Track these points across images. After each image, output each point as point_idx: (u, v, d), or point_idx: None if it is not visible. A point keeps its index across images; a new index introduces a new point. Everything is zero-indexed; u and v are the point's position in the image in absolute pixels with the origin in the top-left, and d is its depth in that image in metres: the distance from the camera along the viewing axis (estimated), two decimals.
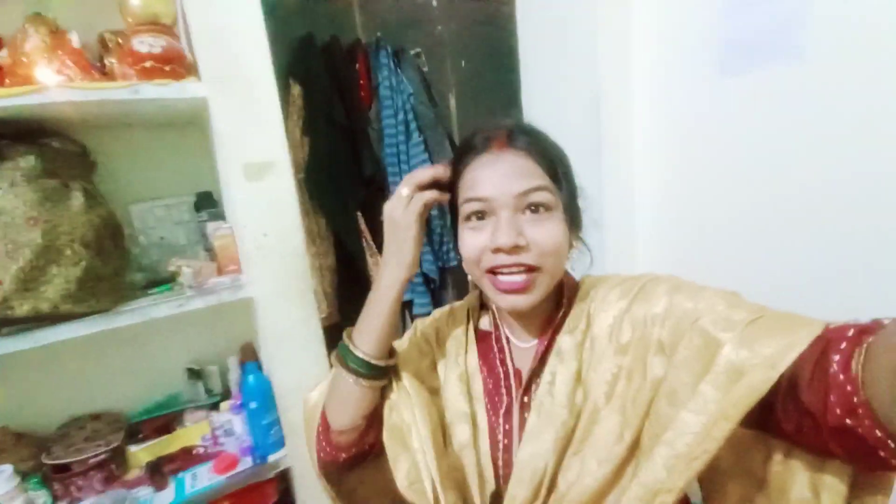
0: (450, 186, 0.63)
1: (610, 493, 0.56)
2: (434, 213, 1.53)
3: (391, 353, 0.67)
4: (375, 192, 1.52)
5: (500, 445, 0.63)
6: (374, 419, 0.66)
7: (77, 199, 0.91)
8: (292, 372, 1.13)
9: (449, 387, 0.68)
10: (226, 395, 1.27)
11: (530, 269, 0.57)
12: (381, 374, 0.64)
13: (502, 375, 0.66)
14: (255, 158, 1.01)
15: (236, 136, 0.99)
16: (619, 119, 1.56)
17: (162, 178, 1.21)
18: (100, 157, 1.09)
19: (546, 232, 0.57)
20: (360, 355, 0.62)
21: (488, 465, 0.63)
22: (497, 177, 0.58)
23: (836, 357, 0.42)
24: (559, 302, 0.66)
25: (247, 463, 1.10)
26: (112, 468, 1.06)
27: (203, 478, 1.06)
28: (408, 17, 1.63)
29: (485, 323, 0.73)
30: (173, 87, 0.89)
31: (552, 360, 0.62)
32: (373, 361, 0.63)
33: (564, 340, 0.62)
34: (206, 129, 1.12)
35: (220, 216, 1.17)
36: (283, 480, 1.19)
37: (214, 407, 1.21)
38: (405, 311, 1.61)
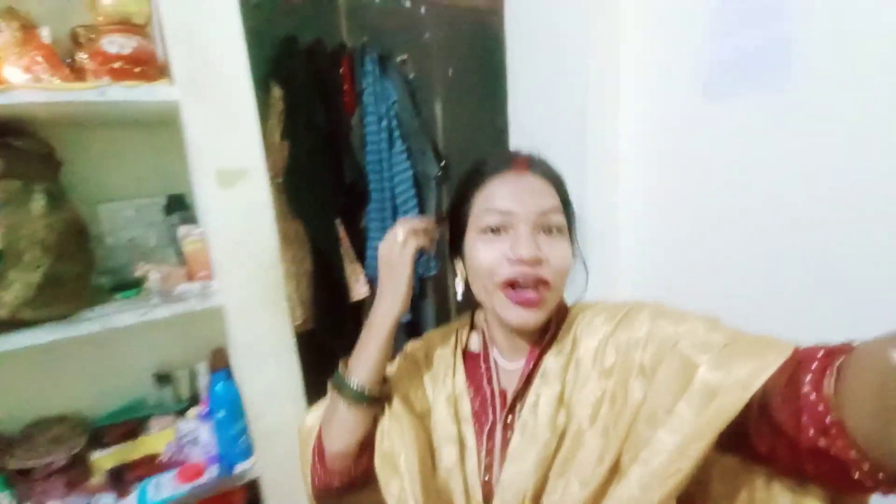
0: (460, 201, 0.66)
1: None
2: None
3: (384, 380, 0.69)
4: (356, 198, 1.50)
5: (483, 465, 0.64)
6: (367, 445, 0.67)
7: (39, 202, 0.88)
8: (263, 381, 1.11)
9: (437, 409, 0.70)
10: (194, 400, 1.24)
11: (544, 285, 0.60)
12: (375, 401, 0.67)
13: (488, 395, 0.68)
14: (229, 165, 0.99)
15: (209, 141, 0.97)
16: (605, 136, 1.56)
17: (133, 178, 1.18)
18: (68, 154, 1.06)
19: (559, 251, 0.61)
20: (355, 384, 0.65)
21: (476, 486, 0.63)
22: (519, 193, 0.61)
23: (808, 377, 0.43)
24: (548, 324, 0.67)
25: (212, 472, 1.07)
26: (75, 473, 1.03)
27: (166, 486, 1.04)
28: (395, 23, 1.61)
29: (474, 344, 0.74)
30: (142, 90, 0.87)
31: (537, 382, 0.63)
32: (367, 390, 0.65)
33: (550, 362, 0.64)
34: (180, 129, 1.09)
35: (192, 220, 1.15)
36: (252, 490, 1.17)
37: (182, 413, 1.18)
38: None
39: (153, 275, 1.00)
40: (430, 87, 1.73)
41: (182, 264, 1.08)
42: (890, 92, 1.01)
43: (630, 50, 1.53)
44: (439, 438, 0.67)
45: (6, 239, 0.82)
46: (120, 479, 1.04)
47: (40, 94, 0.82)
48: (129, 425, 1.18)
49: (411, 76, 1.58)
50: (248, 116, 1.01)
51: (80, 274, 0.95)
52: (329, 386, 0.69)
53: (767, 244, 1.25)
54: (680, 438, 0.48)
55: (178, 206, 1.17)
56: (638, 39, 1.50)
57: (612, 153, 1.60)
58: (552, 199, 0.62)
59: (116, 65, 0.86)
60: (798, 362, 0.45)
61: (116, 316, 0.93)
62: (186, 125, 0.96)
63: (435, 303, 1.67)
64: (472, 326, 0.76)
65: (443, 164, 1.61)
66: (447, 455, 0.65)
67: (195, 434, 1.10)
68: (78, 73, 0.95)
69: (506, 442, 0.63)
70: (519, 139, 1.89)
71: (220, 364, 1.20)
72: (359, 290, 1.51)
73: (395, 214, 1.53)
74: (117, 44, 0.86)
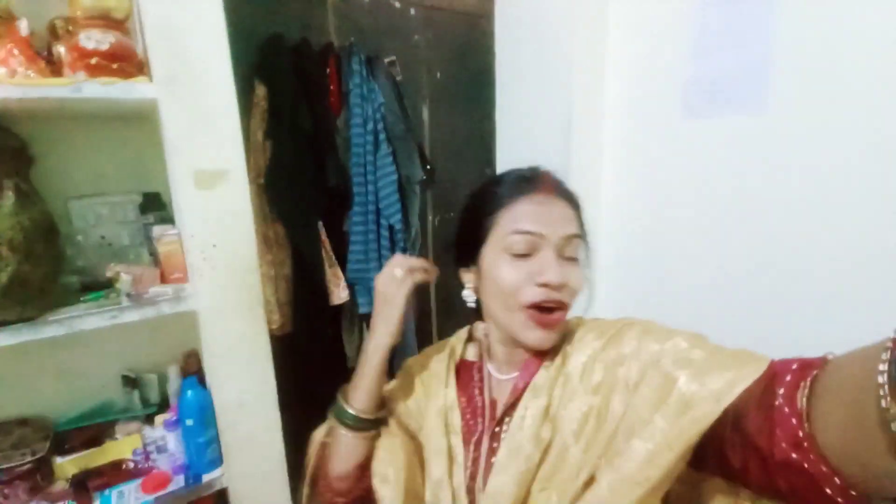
0: (481, 214, 0.67)
1: None
2: (398, 227, 1.51)
3: (382, 404, 0.73)
4: (338, 201, 1.48)
5: (468, 473, 0.66)
6: (367, 467, 0.71)
7: (8, 200, 0.84)
8: (236, 388, 1.08)
9: (429, 421, 0.72)
10: (164, 405, 1.20)
11: (562, 309, 0.63)
12: (372, 425, 0.71)
13: (479, 405, 0.70)
14: (208, 166, 0.96)
15: (188, 141, 0.94)
16: (589, 146, 1.57)
17: (107, 174, 1.14)
18: (41, 147, 1.01)
19: (577, 276, 0.64)
20: (352, 411, 0.70)
21: (462, 497, 0.65)
22: (547, 216, 0.63)
23: (781, 390, 0.44)
24: None
25: (179, 482, 1.04)
26: (37, 478, 1.00)
27: (130, 496, 1.01)
28: (384, 24, 1.59)
29: (471, 354, 0.77)
30: (119, 87, 0.84)
31: (527, 395, 0.64)
32: (362, 416, 0.70)
33: (541, 376, 0.65)
34: (158, 124, 1.06)
35: (168, 219, 1.11)
36: (220, 501, 1.14)
37: (150, 419, 1.14)
38: (363, 324, 1.58)
39: (125, 276, 0.96)
40: (418, 90, 1.71)
41: (155, 265, 1.05)
42: (862, 116, 1.04)
43: (615, 65, 1.55)
44: (430, 451, 0.69)
45: None
46: (83, 486, 1.00)
47: (14, 89, 0.79)
48: (94, 430, 1.14)
49: (399, 78, 1.56)
50: (230, 116, 0.98)
51: (48, 275, 0.91)
52: (329, 415, 0.73)
53: (743, 258, 1.28)
54: (652, 447, 0.50)
55: (154, 205, 1.13)
56: (622, 55, 1.53)
57: (595, 164, 1.61)
58: (575, 226, 0.65)
59: (93, 60, 0.83)
60: (773, 374, 0.46)
61: (84, 319, 0.89)
62: (165, 124, 0.92)
63: (414, 307, 1.66)
64: (470, 338, 0.79)
65: (428, 168, 1.60)
66: (436, 466, 0.67)
67: (163, 441, 1.07)
68: (55, 66, 0.91)
69: (492, 451, 0.65)
70: (505, 146, 1.89)
71: (191, 368, 1.17)
72: (339, 295, 1.48)
73: (378, 218, 1.51)
74: (95, 39, 0.82)
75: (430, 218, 1.84)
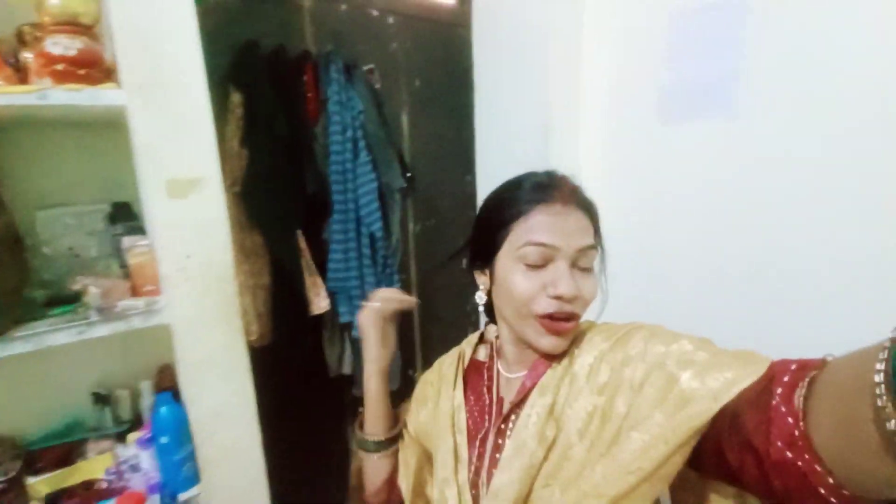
0: (497, 220, 0.67)
1: None
2: (378, 235, 1.49)
3: (395, 422, 0.83)
4: (317, 209, 1.46)
5: (473, 469, 0.67)
6: (394, 481, 0.81)
7: None
8: (212, 402, 1.05)
9: (437, 424, 0.74)
10: (137, 422, 1.16)
11: (574, 318, 0.64)
12: (388, 444, 0.81)
13: (487, 402, 0.71)
14: (181, 174, 0.94)
15: (159, 148, 0.92)
16: (567, 152, 1.59)
17: (75, 183, 1.10)
18: (6, 156, 0.98)
19: (590, 286, 0.65)
20: (367, 437, 0.80)
21: (467, 495, 0.66)
22: (563, 227, 0.63)
23: (779, 390, 0.44)
24: None
25: (154, 502, 1.00)
26: (11, 498, 0.95)
27: None
28: (361, 31, 1.58)
29: (481, 354, 0.79)
30: (86, 94, 0.81)
31: (534, 394, 0.65)
32: (375, 439, 0.80)
33: (548, 375, 0.66)
34: (127, 133, 1.03)
35: (138, 230, 1.08)
36: None
37: (122, 436, 1.10)
38: (344, 333, 1.55)
39: (93, 289, 0.93)
40: (397, 98, 1.71)
41: (125, 278, 1.01)
42: (826, 120, 1.08)
43: (591, 72, 1.57)
44: (438, 452, 0.72)
45: None
46: None
47: None
48: (65, 449, 1.09)
49: (378, 86, 1.55)
50: (204, 124, 0.96)
51: (13, 288, 0.88)
52: (352, 445, 0.85)
53: (718, 260, 1.30)
54: (648, 438, 0.52)
55: (124, 215, 1.09)
56: (599, 63, 1.55)
57: (573, 169, 1.62)
58: (591, 237, 0.65)
59: (59, 66, 0.80)
60: (772, 374, 0.46)
61: (51, 334, 0.86)
62: (135, 131, 0.90)
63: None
64: (482, 340, 0.81)
65: (409, 175, 1.59)
66: (443, 466, 0.70)
67: (136, 460, 1.03)
68: (22, 73, 0.89)
69: (496, 448, 0.66)
70: (484, 153, 1.90)
71: (165, 383, 1.13)
72: (319, 304, 1.46)
73: (358, 226, 1.49)
74: (62, 45, 0.80)
75: (410, 226, 1.83)
